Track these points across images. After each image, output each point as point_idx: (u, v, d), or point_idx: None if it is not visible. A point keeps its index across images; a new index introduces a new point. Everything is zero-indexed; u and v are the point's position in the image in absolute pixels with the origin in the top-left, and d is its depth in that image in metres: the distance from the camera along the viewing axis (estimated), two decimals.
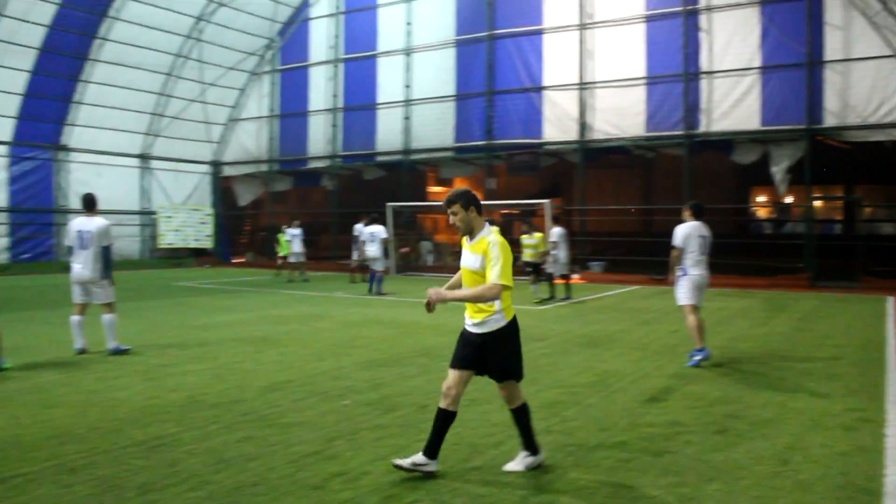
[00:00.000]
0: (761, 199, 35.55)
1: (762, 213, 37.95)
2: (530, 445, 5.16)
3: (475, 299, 4.84)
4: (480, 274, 4.89)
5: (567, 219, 25.05)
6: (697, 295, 9.11)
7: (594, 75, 24.52)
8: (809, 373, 8.41)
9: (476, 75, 26.92)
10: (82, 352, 9.73)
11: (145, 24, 28.05)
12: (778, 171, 21.82)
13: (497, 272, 4.75)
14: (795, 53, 21.24)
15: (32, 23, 25.23)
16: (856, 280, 19.93)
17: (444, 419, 4.94)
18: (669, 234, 9.26)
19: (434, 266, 28.05)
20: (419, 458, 4.93)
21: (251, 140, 33.52)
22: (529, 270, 16.73)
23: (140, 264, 29.91)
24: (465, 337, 5.06)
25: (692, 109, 22.73)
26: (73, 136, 28.45)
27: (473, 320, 5.01)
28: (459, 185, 39.92)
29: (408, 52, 28.56)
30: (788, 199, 28.78)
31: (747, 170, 24.53)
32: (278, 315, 14.21)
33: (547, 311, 14.79)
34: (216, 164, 34.44)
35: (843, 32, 20.66)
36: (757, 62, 21.85)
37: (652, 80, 23.47)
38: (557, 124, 25.08)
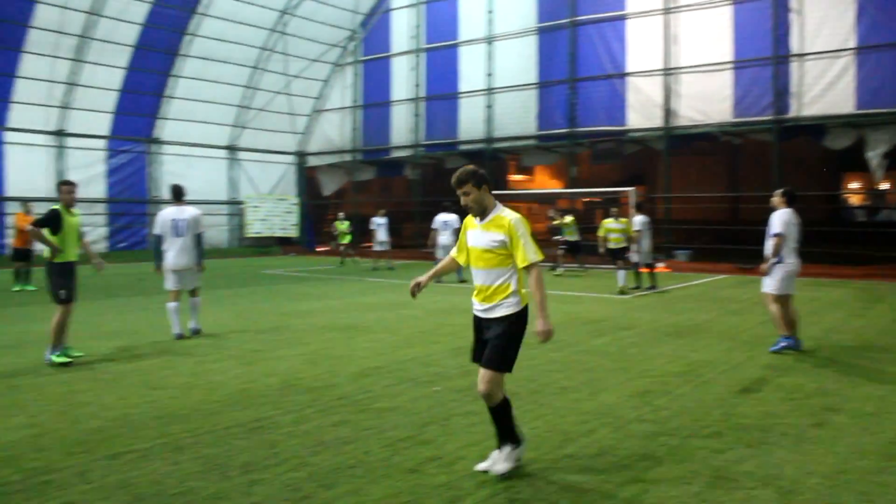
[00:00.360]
0: (854, 185, 34.23)
1: (855, 199, 36.54)
2: (512, 437, 4.83)
3: (543, 290, 4.72)
4: (496, 252, 4.74)
5: (651, 206, 24.65)
6: (791, 284, 8.94)
7: (679, 60, 23.97)
8: None
9: (558, 62, 26.63)
10: (181, 337, 10.15)
11: (232, 20, 28.86)
12: (874, 156, 20.88)
13: (532, 248, 4.68)
14: (894, 33, 20.25)
15: (128, 21, 26.29)
16: None
17: (503, 411, 4.79)
18: (756, 222, 9.08)
19: None
20: (508, 452, 4.78)
21: (335, 130, 34.05)
22: (612, 257, 16.50)
23: (228, 253, 30.86)
24: (477, 327, 4.95)
25: (781, 94, 21.96)
26: (165, 129, 29.60)
27: (485, 304, 4.84)
28: (541, 173, 40.00)
29: (489, 40, 28.49)
30: (884, 186, 27.62)
31: (839, 155, 23.65)
32: (365, 302, 14.48)
33: (632, 300, 14.59)
34: (301, 155, 35.19)
35: None
36: (852, 43, 20.88)
37: (739, 65, 22.79)
38: (641, 111, 24.66)
